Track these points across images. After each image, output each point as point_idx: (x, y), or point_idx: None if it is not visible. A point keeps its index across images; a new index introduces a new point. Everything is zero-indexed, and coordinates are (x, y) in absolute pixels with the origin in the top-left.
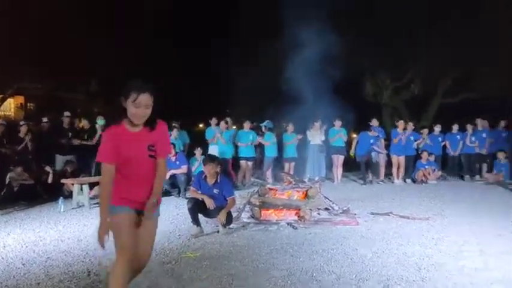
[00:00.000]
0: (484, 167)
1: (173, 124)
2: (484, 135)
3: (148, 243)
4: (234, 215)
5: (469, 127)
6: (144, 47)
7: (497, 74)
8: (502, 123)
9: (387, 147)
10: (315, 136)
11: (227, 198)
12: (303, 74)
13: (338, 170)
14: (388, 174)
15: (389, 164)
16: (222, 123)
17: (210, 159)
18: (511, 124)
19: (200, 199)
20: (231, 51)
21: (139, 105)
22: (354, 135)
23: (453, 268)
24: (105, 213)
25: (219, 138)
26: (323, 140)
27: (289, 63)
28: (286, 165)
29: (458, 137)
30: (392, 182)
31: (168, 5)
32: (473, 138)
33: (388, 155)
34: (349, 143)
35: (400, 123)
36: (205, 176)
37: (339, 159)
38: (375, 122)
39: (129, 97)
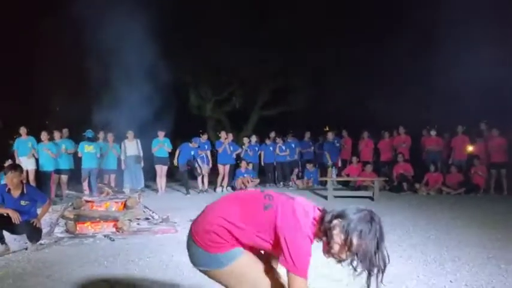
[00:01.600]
0: (295, 173)
1: None
2: (293, 145)
3: None
4: (46, 230)
5: (279, 139)
6: None
7: (305, 88)
8: (307, 135)
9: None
10: (130, 147)
11: (43, 206)
12: (124, 83)
13: (162, 180)
14: (211, 183)
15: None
16: (44, 133)
17: (11, 167)
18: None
19: (5, 214)
20: None
21: None
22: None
23: None
24: None
25: (46, 150)
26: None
27: (113, 73)
28: (106, 177)
29: (271, 148)
30: (215, 191)
31: None
32: (283, 148)
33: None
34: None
35: (223, 134)
36: (9, 189)
37: (162, 170)
38: (204, 137)
39: None
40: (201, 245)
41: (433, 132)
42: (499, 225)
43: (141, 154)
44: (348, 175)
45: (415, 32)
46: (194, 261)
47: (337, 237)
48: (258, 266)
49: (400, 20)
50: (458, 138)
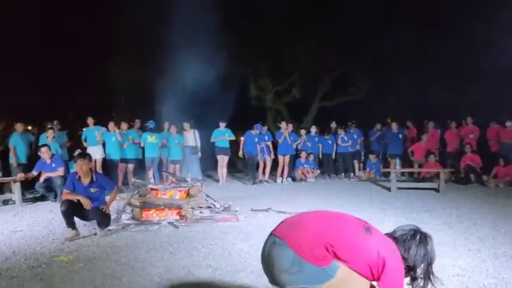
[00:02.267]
0: (357, 164)
1: (49, 125)
2: (355, 136)
3: None
4: (114, 216)
5: (341, 130)
6: None
7: (366, 78)
8: (378, 126)
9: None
10: (188, 138)
11: (111, 193)
12: (184, 77)
13: (223, 170)
14: (272, 175)
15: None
16: (111, 124)
17: (81, 156)
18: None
19: (75, 200)
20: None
21: None
22: (242, 138)
23: None
24: None
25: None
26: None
27: (172, 66)
28: (172, 167)
29: (329, 141)
30: (275, 181)
31: None
32: (345, 138)
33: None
34: (237, 144)
35: (283, 124)
36: (79, 176)
37: (223, 160)
38: (264, 128)
39: None
40: (309, 259)
41: (508, 123)
42: None
43: (199, 145)
44: (412, 152)
45: (485, 18)
46: (293, 278)
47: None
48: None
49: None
50: None
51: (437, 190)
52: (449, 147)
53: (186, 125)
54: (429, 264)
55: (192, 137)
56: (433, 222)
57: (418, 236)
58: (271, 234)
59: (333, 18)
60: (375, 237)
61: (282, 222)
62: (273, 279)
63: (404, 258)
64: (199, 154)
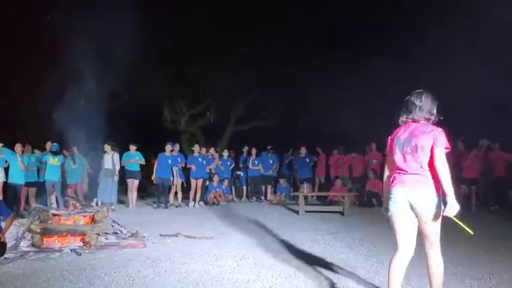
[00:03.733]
0: (269, 189)
1: None
2: (271, 161)
3: None
4: (11, 243)
5: (253, 151)
6: None
7: (278, 103)
8: (290, 151)
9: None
10: (106, 160)
11: (7, 219)
12: (92, 98)
13: (133, 194)
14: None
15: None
16: (18, 145)
17: None
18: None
19: None
20: None
21: None
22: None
23: (228, 282)
24: None
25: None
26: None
27: (82, 86)
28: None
29: (228, 162)
30: (187, 205)
31: None
32: (256, 162)
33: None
34: (150, 168)
35: (196, 147)
36: None
37: (133, 183)
38: (176, 149)
39: None
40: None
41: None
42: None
43: (117, 168)
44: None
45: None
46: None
47: None
48: None
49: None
50: None
51: (342, 213)
52: (355, 173)
53: (107, 147)
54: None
55: (110, 160)
56: (337, 244)
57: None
58: None
59: (249, 41)
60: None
61: None
62: None
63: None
64: (117, 178)
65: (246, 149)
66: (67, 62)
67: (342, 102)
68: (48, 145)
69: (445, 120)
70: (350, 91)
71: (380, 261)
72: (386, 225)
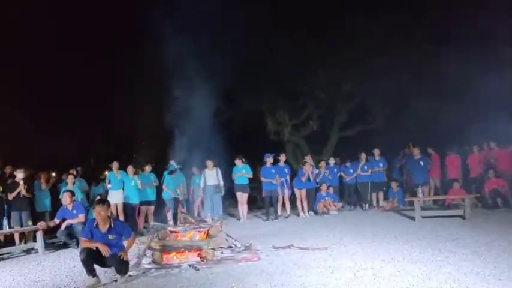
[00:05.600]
0: (381, 195)
1: (70, 171)
2: (381, 164)
3: None
4: (134, 261)
5: (362, 156)
6: None
7: (384, 107)
8: (401, 154)
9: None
10: (210, 176)
11: (129, 239)
12: (200, 116)
13: (243, 207)
14: (293, 209)
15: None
16: (130, 167)
17: (99, 202)
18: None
19: (94, 248)
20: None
21: None
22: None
23: None
24: None
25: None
26: (219, 180)
27: (184, 106)
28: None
29: (351, 170)
30: (298, 216)
31: None
32: (365, 167)
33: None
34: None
35: (307, 166)
36: (97, 223)
37: (242, 197)
38: (282, 158)
39: None
40: None
41: None
42: None
43: (222, 183)
44: None
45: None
46: None
47: None
48: None
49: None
50: None
51: (463, 217)
52: (473, 173)
53: (209, 163)
54: None
55: (214, 176)
56: (460, 251)
57: None
58: None
59: (347, 48)
60: None
61: None
62: None
63: None
64: (223, 192)
65: (361, 154)
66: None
67: (451, 98)
68: (148, 167)
69: None
70: (460, 84)
71: (511, 265)
72: None
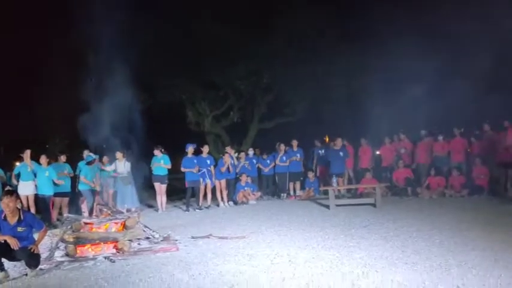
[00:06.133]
0: (298, 185)
1: None
2: (298, 155)
3: None
4: (45, 255)
5: (281, 147)
6: None
7: (302, 100)
8: (317, 144)
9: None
10: (120, 167)
11: (39, 232)
12: (117, 106)
13: (162, 198)
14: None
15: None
16: (43, 157)
17: (7, 193)
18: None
19: (2, 241)
20: None
21: None
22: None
23: (264, 280)
24: None
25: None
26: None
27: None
28: (105, 196)
29: (268, 161)
30: (218, 206)
31: None
32: (284, 158)
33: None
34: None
35: (226, 157)
36: (5, 216)
37: (161, 188)
38: (205, 149)
39: None
40: None
41: (440, 137)
42: (505, 226)
43: (129, 173)
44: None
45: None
46: None
47: None
48: None
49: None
50: (456, 141)
51: (374, 205)
52: (384, 162)
53: (119, 154)
54: None
55: (123, 167)
56: (371, 237)
57: None
58: None
59: (268, 40)
60: None
61: None
62: None
63: None
64: (132, 183)
65: (280, 146)
66: (91, 70)
67: (368, 93)
68: (85, 154)
69: None
70: (377, 82)
71: (417, 251)
72: (420, 213)
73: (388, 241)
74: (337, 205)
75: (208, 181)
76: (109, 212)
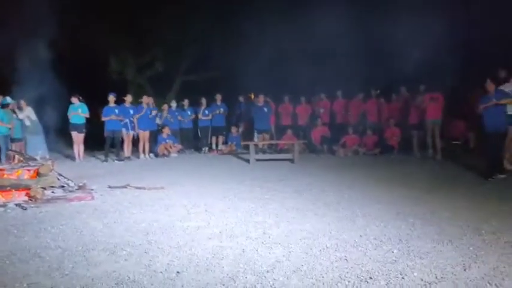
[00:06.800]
0: (221, 139)
1: None
2: (222, 109)
3: None
4: None
5: (203, 102)
6: None
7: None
8: (241, 99)
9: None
10: (25, 115)
11: None
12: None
13: (79, 147)
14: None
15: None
16: None
17: None
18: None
19: None
20: None
21: None
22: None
23: (179, 229)
24: None
25: None
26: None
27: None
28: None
29: (188, 112)
30: (138, 158)
31: None
32: (206, 112)
33: None
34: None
35: (144, 98)
36: None
37: (78, 137)
38: (128, 98)
39: None
40: None
41: (357, 98)
42: (408, 183)
43: (36, 122)
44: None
45: None
46: None
47: None
48: None
49: None
50: (372, 102)
51: (292, 161)
52: (300, 121)
53: (22, 103)
54: None
55: (28, 115)
56: (286, 190)
57: None
58: None
59: None
60: None
61: None
62: None
63: None
64: (41, 130)
65: (202, 99)
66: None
67: (292, 53)
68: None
69: None
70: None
71: (327, 204)
72: (333, 170)
73: (301, 194)
74: (257, 160)
75: (131, 131)
76: (21, 158)
